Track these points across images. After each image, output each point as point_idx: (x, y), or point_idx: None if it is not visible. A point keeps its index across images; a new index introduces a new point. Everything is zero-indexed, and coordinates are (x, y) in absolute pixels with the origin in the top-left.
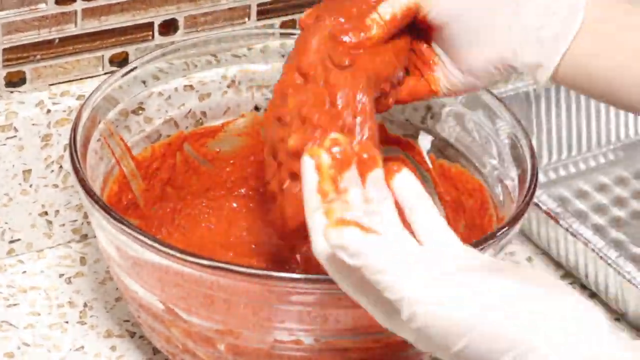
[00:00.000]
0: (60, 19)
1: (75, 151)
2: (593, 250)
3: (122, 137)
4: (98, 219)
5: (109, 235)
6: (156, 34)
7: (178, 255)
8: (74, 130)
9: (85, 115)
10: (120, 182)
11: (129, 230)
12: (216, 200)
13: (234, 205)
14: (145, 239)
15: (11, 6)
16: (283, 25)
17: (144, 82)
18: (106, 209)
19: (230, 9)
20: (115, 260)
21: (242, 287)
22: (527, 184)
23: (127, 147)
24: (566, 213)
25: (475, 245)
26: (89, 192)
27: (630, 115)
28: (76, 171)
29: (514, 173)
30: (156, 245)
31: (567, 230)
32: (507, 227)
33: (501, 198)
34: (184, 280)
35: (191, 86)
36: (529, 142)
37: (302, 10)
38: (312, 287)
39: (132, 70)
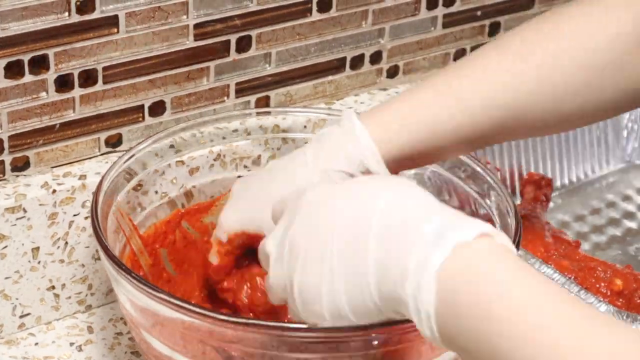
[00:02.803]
0: (60, 106)
1: (99, 229)
2: None
3: (130, 217)
4: (123, 284)
5: (133, 298)
6: (146, 115)
7: (197, 310)
8: (95, 212)
9: (100, 199)
10: (131, 259)
11: (152, 291)
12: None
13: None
14: (167, 298)
15: (14, 96)
16: (258, 101)
17: (143, 164)
18: (130, 273)
19: (210, 89)
20: (139, 322)
21: (255, 338)
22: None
23: (135, 226)
24: (527, 255)
25: None
26: (115, 260)
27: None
28: (102, 245)
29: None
30: (177, 302)
31: None
32: None
33: None
34: (202, 334)
35: (182, 162)
36: (512, 201)
37: (275, 87)
38: (325, 336)
39: (134, 154)
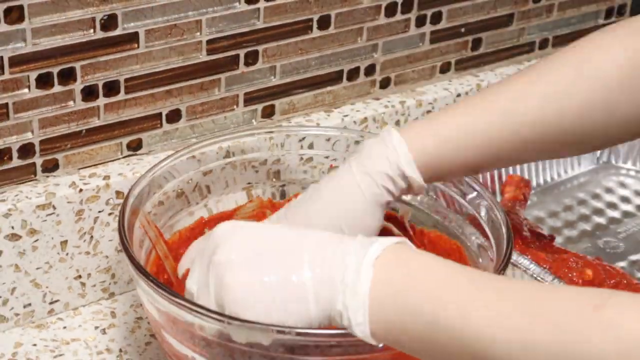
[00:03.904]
0: (86, 114)
1: (125, 237)
2: (532, 275)
3: (156, 225)
4: (143, 287)
5: (151, 300)
6: (164, 122)
7: (201, 311)
8: (122, 221)
9: (127, 208)
10: (157, 264)
11: (165, 294)
12: None
13: None
14: (176, 299)
15: (45, 104)
16: (264, 109)
17: (165, 177)
18: (149, 277)
19: (222, 98)
20: (156, 318)
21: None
22: (504, 246)
23: (160, 233)
24: None
25: None
26: (138, 267)
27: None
28: (127, 253)
29: (489, 234)
30: (183, 303)
31: None
32: None
33: (478, 252)
34: (210, 335)
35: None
36: (502, 210)
37: (280, 97)
38: (337, 340)
39: (159, 168)
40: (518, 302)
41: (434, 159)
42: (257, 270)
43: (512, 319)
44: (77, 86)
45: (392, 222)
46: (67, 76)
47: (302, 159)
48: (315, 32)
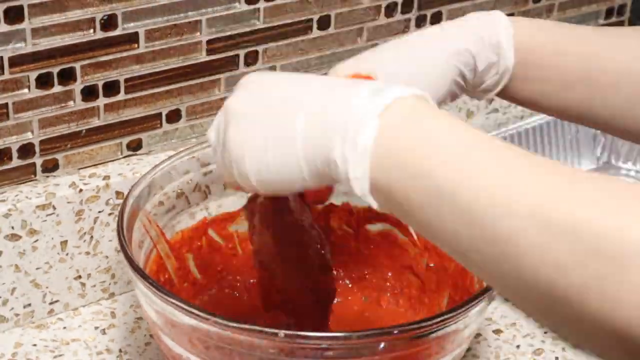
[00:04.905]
0: (86, 114)
1: (124, 237)
2: None
3: (158, 224)
4: (142, 288)
5: (149, 301)
6: (164, 122)
7: (202, 315)
8: (121, 221)
9: (127, 209)
10: (157, 262)
11: (163, 295)
12: (238, 273)
13: (251, 281)
14: (174, 301)
15: (45, 104)
16: None
17: (165, 178)
18: (147, 279)
19: (222, 98)
20: (154, 320)
21: (255, 343)
22: None
23: (162, 232)
24: None
25: (466, 303)
26: (137, 269)
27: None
28: (126, 254)
29: None
30: (181, 305)
31: None
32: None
33: None
34: (208, 337)
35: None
36: None
37: None
38: (325, 343)
39: (160, 169)
40: (554, 179)
41: (530, 48)
42: (255, 121)
43: (537, 195)
44: (77, 86)
45: (397, 227)
46: (67, 76)
47: None
48: (315, 32)
